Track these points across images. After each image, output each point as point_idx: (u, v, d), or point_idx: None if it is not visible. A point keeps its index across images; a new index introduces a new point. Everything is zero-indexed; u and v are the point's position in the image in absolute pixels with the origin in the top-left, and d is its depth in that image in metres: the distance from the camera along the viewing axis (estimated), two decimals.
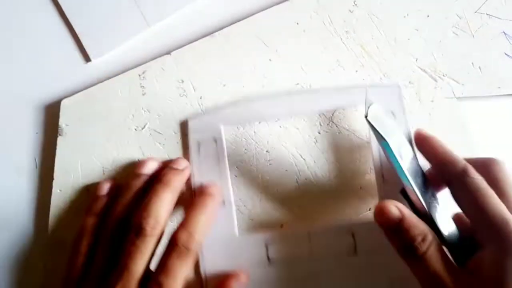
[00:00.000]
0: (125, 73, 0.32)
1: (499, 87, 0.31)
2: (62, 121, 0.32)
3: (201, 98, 0.31)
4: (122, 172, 0.31)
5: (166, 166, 0.29)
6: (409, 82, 0.31)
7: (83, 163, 0.31)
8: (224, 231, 0.29)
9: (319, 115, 0.31)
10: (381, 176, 0.29)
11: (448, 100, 0.31)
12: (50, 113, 0.33)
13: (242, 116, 0.31)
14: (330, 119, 0.30)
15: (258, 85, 0.31)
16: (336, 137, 0.30)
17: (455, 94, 0.31)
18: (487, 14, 0.31)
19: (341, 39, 0.32)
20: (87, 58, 0.33)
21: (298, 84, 0.31)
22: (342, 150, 0.30)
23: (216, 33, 0.32)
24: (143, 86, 0.32)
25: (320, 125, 0.31)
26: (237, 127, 0.31)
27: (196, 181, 0.30)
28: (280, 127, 0.31)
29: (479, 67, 0.31)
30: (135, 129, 0.31)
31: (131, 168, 0.31)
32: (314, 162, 0.30)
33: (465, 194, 0.24)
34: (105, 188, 0.30)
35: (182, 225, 0.27)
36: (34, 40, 0.34)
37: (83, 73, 0.33)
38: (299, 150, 0.30)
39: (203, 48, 0.32)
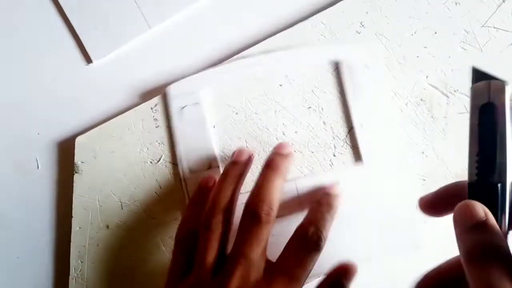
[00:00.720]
0: (137, 107, 0.32)
1: (511, 100, 0.31)
2: (77, 159, 0.32)
3: (214, 127, 0.32)
4: (141, 205, 0.31)
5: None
6: (421, 99, 0.31)
7: (100, 199, 0.31)
8: None
9: None
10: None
11: (461, 115, 0.31)
12: (48, 115, 0.34)
13: (223, 77, 0.31)
14: None
15: (270, 110, 0.32)
16: None
17: (468, 109, 0.31)
18: (494, 28, 0.31)
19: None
20: (88, 60, 0.34)
21: (310, 107, 0.31)
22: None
23: (225, 62, 0.32)
24: (156, 119, 0.32)
25: None
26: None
27: (181, 148, 0.31)
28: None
29: None
30: (151, 162, 0.32)
31: (150, 200, 0.31)
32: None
33: None
34: (210, 182, 0.30)
35: (310, 222, 0.27)
36: (35, 41, 0.34)
37: (84, 74, 0.34)
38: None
39: (214, 77, 0.32)
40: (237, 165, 0.29)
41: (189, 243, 0.27)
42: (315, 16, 0.32)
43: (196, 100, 0.31)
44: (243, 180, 0.29)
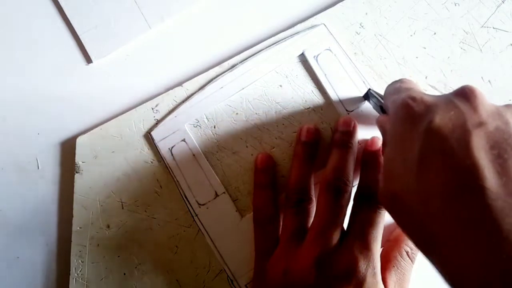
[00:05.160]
0: (138, 107, 0.32)
1: (510, 100, 0.31)
2: (78, 159, 0.32)
3: (214, 127, 0.32)
4: (141, 205, 0.31)
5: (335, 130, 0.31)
6: None
7: (101, 199, 0.31)
8: (228, 219, 0.31)
9: None
10: None
11: None
12: (47, 116, 0.34)
13: (198, 108, 0.32)
14: None
15: (270, 110, 0.32)
16: None
17: None
18: (493, 28, 0.31)
19: (351, 60, 0.32)
20: (88, 60, 0.34)
21: (310, 108, 0.32)
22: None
23: (226, 62, 0.32)
24: (156, 119, 0.32)
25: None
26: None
27: (183, 186, 0.31)
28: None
29: (489, 81, 0.31)
30: (151, 162, 0.32)
31: (151, 200, 0.31)
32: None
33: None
34: (265, 161, 0.31)
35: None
36: (35, 41, 0.34)
37: (84, 74, 0.34)
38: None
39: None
40: (308, 145, 0.30)
41: (269, 225, 0.29)
42: (314, 17, 0.32)
43: (182, 136, 0.31)
44: (316, 157, 0.30)
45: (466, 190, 0.18)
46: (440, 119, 0.20)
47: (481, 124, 0.19)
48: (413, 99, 0.22)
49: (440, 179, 0.19)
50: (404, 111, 0.22)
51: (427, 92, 0.31)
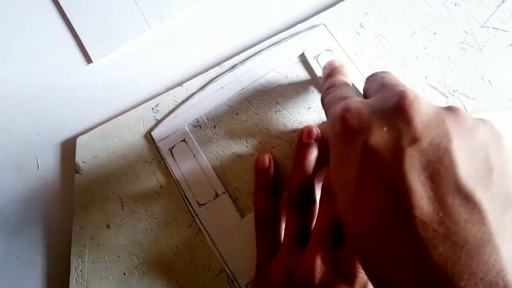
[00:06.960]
0: (138, 107, 0.32)
1: (510, 100, 0.31)
2: (78, 159, 0.32)
3: (214, 127, 0.32)
4: (141, 205, 0.31)
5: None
6: None
7: (101, 199, 0.31)
8: (228, 219, 0.31)
9: None
10: None
11: None
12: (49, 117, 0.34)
13: (198, 108, 0.32)
14: None
15: (270, 110, 0.32)
16: None
17: (467, 109, 0.31)
18: (493, 28, 0.31)
19: (351, 60, 0.32)
20: (88, 60, 0.34)
21: (310, 108, 0.32)
22: None
23: (226, 62, 0.32)
24: (156, 119, 0.32)
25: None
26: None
27: (183, 186, 0.31)
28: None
29: (489, 81, 0.31)
30: (151, 162, 0.32)
31: (151, 200, 0.31)
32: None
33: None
34: (265, 162, 0.31)
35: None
36: (35, 41, 0.34)
37: (84, 74, 0.34)
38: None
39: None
40: (309, 146, 0.30)
41: (270, 225, 0.29)
42: (315, 17, 0.32)
43: (182, 136, 0.31)
44: (317, 158, 0.30)
45: (397, 218, 0.17)
46: (375, 137, 0.18)
47: (415, 140, 0.18)
48: (348, 111, 0.20)
49: (375, 204, 0.18)
50: (340, 128, 0.20)
51: (425, 93, 0.31)
